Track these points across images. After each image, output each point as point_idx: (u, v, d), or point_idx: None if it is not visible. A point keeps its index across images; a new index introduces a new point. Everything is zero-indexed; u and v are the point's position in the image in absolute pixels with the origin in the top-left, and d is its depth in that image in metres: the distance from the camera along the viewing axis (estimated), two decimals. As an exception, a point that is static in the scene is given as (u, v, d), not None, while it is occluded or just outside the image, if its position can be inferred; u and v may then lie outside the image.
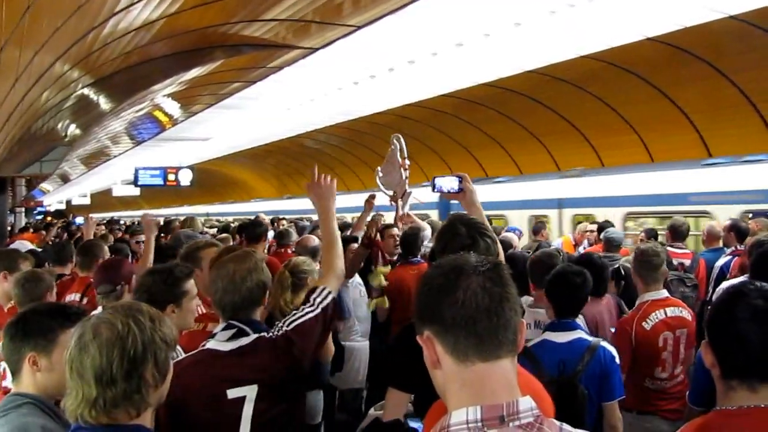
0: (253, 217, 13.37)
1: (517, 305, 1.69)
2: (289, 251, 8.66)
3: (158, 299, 3.46)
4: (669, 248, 8.14)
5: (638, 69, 14.47)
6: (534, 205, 15.70)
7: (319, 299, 3.31)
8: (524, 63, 14.89)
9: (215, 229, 13.53)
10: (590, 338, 4.33)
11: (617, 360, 4.25)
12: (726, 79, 13.56)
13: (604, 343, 4.29)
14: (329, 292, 3.35)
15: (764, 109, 13.64)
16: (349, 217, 14.49)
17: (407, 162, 7.05)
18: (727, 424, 2.08)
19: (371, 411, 3.87)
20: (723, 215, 10.07)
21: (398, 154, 7.04)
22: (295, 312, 3.29)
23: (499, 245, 3.37)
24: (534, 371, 3.81)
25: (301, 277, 5.27)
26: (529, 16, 11.50)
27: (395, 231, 8.14)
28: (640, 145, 16.54)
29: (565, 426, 1.67)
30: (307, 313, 3.24)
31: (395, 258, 8.06)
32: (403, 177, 6.92)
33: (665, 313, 5.15)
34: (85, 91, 14.86)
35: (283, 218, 18.89)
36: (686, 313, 5.27)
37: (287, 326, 3.20)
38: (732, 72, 13.43)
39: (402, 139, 7.15)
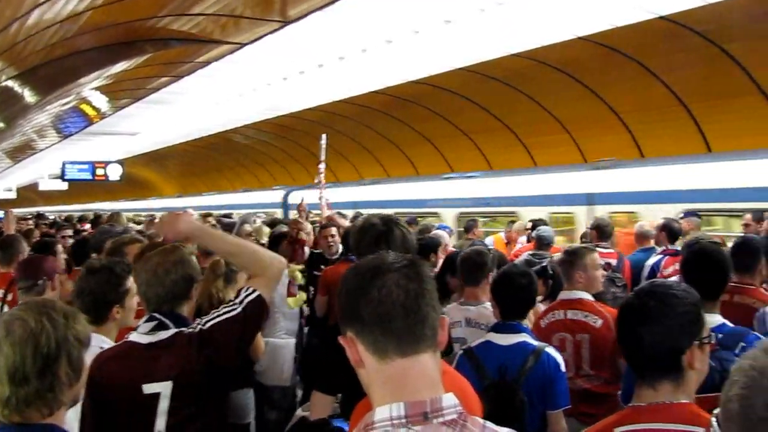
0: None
1: (435, 301, 1.70)
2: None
3: (104, 300, 3.49)
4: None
5: (569, 68, 14.41)
6: (464, 203, 15.54)
7: (242, 299, 3.19)
8: (454, 60, 14.78)
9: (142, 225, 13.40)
10: (535, 342, 4.12)
11: (562, 367, 4.02)
12: (656, 79, 13.55)
13: (550, 349, 4.07)
14: (254, 291, 3.20)
15: (695, 109, 13.67)
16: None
17: (321, 165, 7.13)
18: (634, 419, 2.21)
19: (298, 411, 3.87)
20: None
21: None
22: (216, 310, 3.21)
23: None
24: (476, 373, 3.83)
25: (235, 268, 5.21)
26: (458, 13, 11.35)
27: (332, 230, 8.12)
28: (572, 145, 16.52)
29: (489, 424, 1.67)
30: (226, 312, 3.15)
31: (335, 257, 7.97)
32: (318, 178, 7.00)
33: (565, 314, 4.93)
34: (9, 83, 14.67)
35: (210, 214, 18.66)
36: (593, 319, 4.99)
37: (204, 324, 3.12)
38: (662, 72, 13.43)
39: (323, 140, 7.05)
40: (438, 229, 10.04)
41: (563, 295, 5.07)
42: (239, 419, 5.84)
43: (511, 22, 11.87)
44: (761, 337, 3.14)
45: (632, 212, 11.27)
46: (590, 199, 12.29)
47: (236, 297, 3.23)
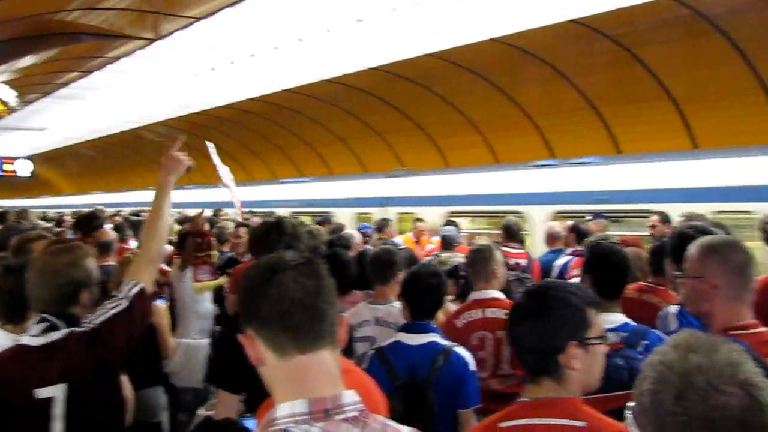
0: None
1: (333, 298, 1.73)
2: (126, 245, 8.67)
3: (21, 300, 3.34)
4: (504, 248, 8.07)
5: (482, 69, 14.46)
6: (360, 203, 15.95)
7: (126, 292, 3.13)
8: (367, 60, 14.67)
9: (53, 222, 13.05)
10: (445, 342, 4.08)
11: (472, 366, 3.99)
12: (568, 82, 13.71)
13: (459, 349, 4.02)
14: (137, 284, 3.16)
15: (606, 113, 13.88)
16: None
17: (220, 170, 6.74)
18: (519, 414, 2.25)
19: (200, 411, 3.84)
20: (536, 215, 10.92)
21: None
22: (102, 306, 3.13)
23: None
24: (386, 373, 3.82)
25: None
26: (370, 12, 11.23)
27: (240, 231, 8.09)
28: (485, 146, 16.61)
29: (391, 422, 1.71)
30: (113, 308, 3.08)
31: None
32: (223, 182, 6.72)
33: (483, 313, 4.86)
34: None
35: (120, 211, 18.28)
36: (511, 316, 4.97)
37: (92, 322, 3.04)
38: (574, 75, 13.60)
39: (210, 147, 6.93)
40: (362, 229, 10.25)
41: (476, 295, 4.99)
42: (149, 417, 5.73)
43: (424, 22, 11.80)
44: (662, 335, 3.18)
45: (412, 212, 13.37)
46: (383, 202, 14.61)
47: (119, 291, 3.15)
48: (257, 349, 1.70)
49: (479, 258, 5.05)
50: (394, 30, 12.14)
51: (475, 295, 5.00)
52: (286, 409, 1.62)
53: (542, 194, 11.58)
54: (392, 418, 1.80)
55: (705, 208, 8.01)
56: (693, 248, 2.83)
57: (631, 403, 1.41)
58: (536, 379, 2.30)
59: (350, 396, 1.66)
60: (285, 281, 1.68)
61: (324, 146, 21.46)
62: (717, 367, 1.29)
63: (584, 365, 2.27)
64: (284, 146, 22.52)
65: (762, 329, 2.68)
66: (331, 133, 20.29)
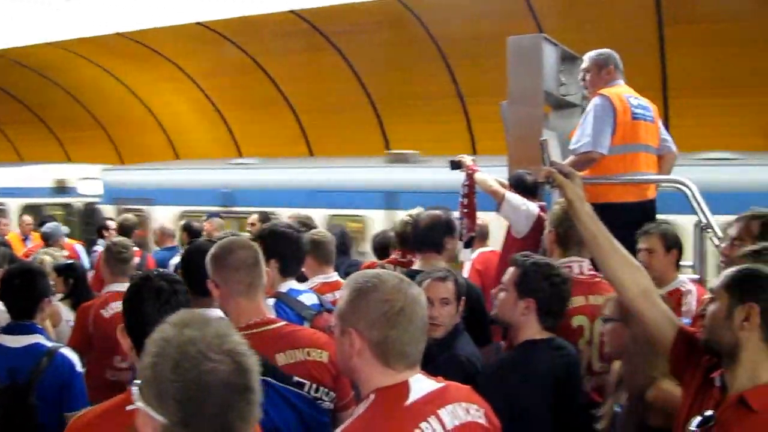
0: None
1: None
2: None
3: None
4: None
5: (108, 65, 14.06)
6: None
7: None
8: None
9: None
10: (49, 343, 3.85)
11: (78, 368, 3.81)
12: (193, 84, 13.87)
13: (65, 350, 3.83)
14: None
15: (229, 117, 14.28)
16: None
17: None
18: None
19: None
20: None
21: None
22: None
23: None
24: None
25: None
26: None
27: None
28: (110, 144, 16.16)
29: None
30: None
31: None
32: None
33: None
34: None
35: None
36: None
37: None
38: (199, 77, 13.79)
39: None
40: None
41: (114, 287, 4.85)
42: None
43: (47, 10, 11.19)
44: None
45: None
46: None
47: None
48: None
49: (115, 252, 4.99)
50: (13, 15, 11.38)
51: (114, 287, 4.85)
52: None
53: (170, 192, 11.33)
54: None
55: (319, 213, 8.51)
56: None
57: (137, 381, 1.49)
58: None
59: None
60: None
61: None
62: (207, 338, 1.45)
63: None
64: None
65: (275, 325, 2.78)
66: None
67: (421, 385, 2.00)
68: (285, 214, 8.36)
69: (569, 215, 2.82)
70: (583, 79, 4.80)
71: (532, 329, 2.95)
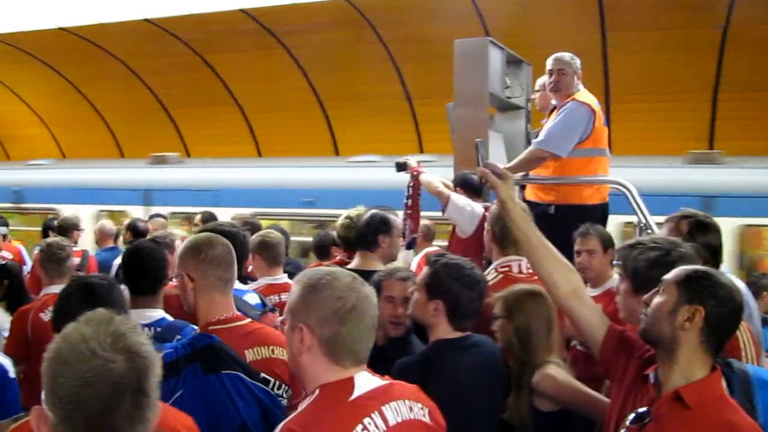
0: None
1: None
2: None
3: None
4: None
5: (50, 59, 13.76)
6: None
7: None
8: None
9: None
10: None
11: (11, 374, 3.66)
12: (140, 81, 13.65)
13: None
14: None
15: (177, 115, 14.12)
16: None
17: None
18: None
19: None
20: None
21: None
22: None
23: None
24: None
25: None
26: None
27: None
28: (52, 141, 15.78)
29: None
30: None
31: None
32: None
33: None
34: None
35: None
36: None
37: None
38: (147, 75, 13.60)
39: None
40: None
41: (52, 289, 4.71)
42: None
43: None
44: (195, 328, 3.13)
45: None
46: None
47: None
48: None
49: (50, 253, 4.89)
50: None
51: (52, 290, 4.69)
52: None
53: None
54: None
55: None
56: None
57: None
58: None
59: None
60: None
61: None
62: (101, 336, 1.46)
63: None
64: None
65: (243, 322, 2.79)
66: None
67: (366, 381, 2.03)
68: (64, 211, 9.66)
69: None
70: (554, 81, 4.89)
71: (442, 329, 2.95)
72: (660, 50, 10.16)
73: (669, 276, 2.25)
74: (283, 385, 2.70)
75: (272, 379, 2.66)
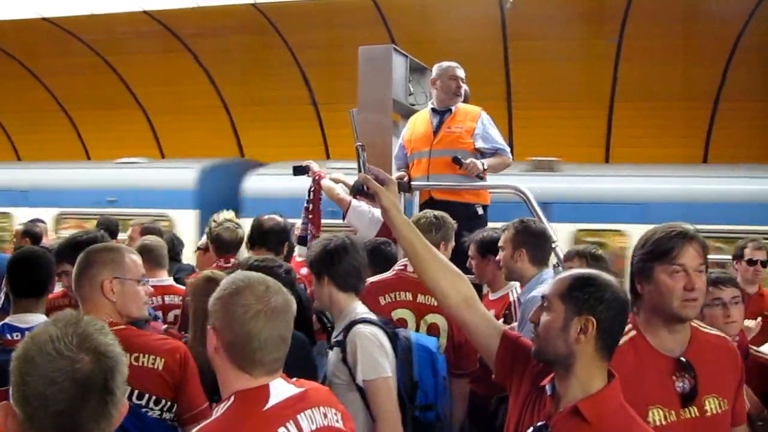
0: None
1: None
2: None
3: None
4: None
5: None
6: None
7: None
8: None
9: None
10: None
11: None
12: (38, 82, 13.24)
13: None
14: None
15: (77, 117, 13.75)
16: None
17: None
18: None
19: None
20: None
21: None
22: None
23: None
24: None
25: None
26: None
27: None
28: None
29: None
30: None
31: None
32: None
33: None
34: None
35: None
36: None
37: None
38: (45, 75, 13.19)
39: None
40: None
41: None
42: None
43: None
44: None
45: None
46: None
47: None
48: None
49: None
50: None
51: None
52: None
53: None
54: None
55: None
56: None
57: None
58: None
59: None
60: None
61: None
62: (67, 337, 1.49)
63: None
64: None
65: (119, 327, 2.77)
66: None
67: (281, 389, 2.06)
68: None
69: None
70: (459, 87, 5.37)
71: None
72: (556, 60, 10.53)
73: (550, 290, 2.20)
74: (147, 395, 2.73)
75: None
